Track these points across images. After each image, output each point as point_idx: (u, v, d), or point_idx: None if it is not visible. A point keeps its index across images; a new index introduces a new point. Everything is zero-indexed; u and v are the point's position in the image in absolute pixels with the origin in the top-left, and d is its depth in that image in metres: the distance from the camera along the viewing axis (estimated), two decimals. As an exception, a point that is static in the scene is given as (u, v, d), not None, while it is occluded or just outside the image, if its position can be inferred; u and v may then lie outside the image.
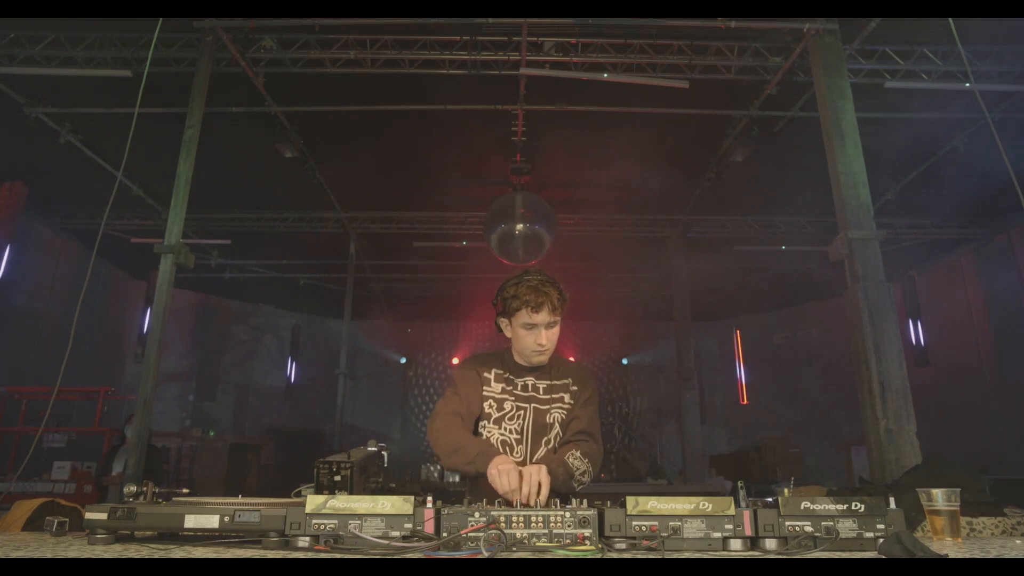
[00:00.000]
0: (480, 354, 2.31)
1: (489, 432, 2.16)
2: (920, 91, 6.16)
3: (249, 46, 5.88)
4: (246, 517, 1.37)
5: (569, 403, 2.18)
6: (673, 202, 9.30)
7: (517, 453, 2.12)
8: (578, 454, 2.03)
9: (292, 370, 14.03)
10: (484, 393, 2.17)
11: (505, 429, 2.14)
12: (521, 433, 2.14)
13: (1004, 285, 9.06)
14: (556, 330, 2.13)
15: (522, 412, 2.16)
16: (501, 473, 1.82)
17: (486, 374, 2.20)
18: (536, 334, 2.09)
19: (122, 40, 5.89)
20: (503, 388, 2.17)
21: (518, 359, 2.24)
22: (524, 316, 2.08)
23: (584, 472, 2.03)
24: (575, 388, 2.21)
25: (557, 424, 2.15)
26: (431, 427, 2.13)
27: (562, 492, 1.97)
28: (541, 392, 2.18)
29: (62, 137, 7.17)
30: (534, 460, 2.12)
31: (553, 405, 2.17)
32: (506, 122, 7.13)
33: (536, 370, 2.21)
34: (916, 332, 10.68)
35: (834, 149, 5.07)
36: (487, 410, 2.17)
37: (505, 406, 2.15)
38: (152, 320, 4.88)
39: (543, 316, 2.07)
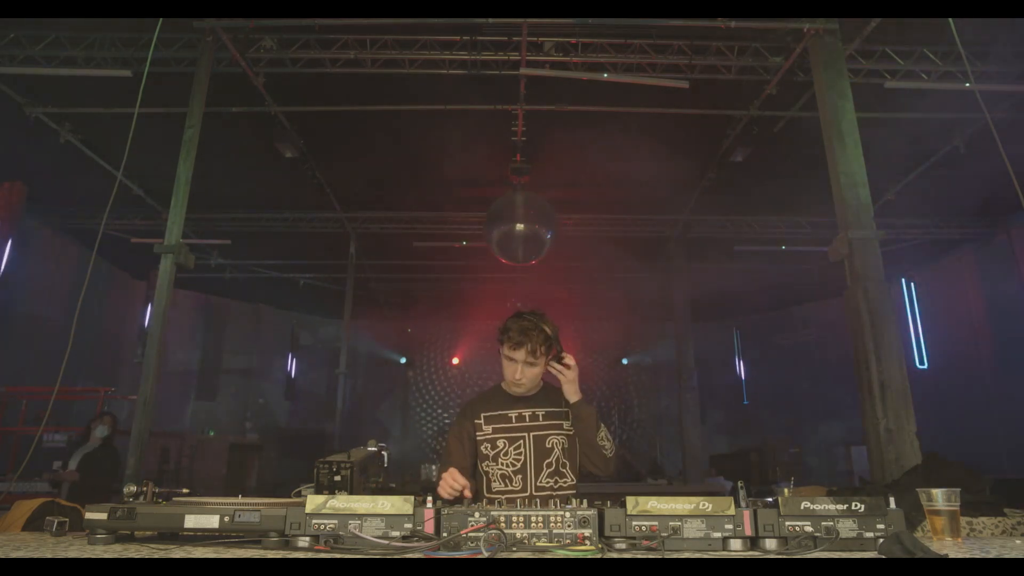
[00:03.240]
0: (471, 401, 2.49)
1: (489, 469, 2.31)
2: (920, 91, 6.16)
3: (249, 46, 5.87)
4: (246, 517, 1.37)
5: (569, 431, 2.32)
6: (673, 202, 9.30)
7: (516, 483, 2.27)
8: (608, 434, 2.30)
9: (292, 370, 14.04)
10: (479, 438, 2.35)
11: (502, 464, 2.30)
12: (520, 462, 2.28)
13: (1004, 285, 9.06)
14: (536, 370, 2.29)
15: (520, 442, 2.30)
16: (442, 485, 2.08)
17: (477, 420, 2.37)
18: (514, 368, 2.28)
19: (122, 40, 5.89)
20: (494, 428, 2.34)
21: (508, 388, 2.41)
22: (507, 350, 2.29)
23: (609, 440, 2.28)
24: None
25: (558, 448, 2.30)
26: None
27: (584, 436, 2.24)
28: (541, 419, 2.33)
29: (62, 137, 7.17)
30: (538, 484, 2.26)
31: (552, 431, 2.31)
32: (506, 122, 7.13)
33: (532, 399, 2.37)
34: (916, 332, 10.68)
35: (834, 149, 5.07)
36: (484, 452, 2.33)
37: (498, 444, 2.31)
38: (152, 320, 4.89)
39: (520, 355, 2.25)
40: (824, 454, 12.27)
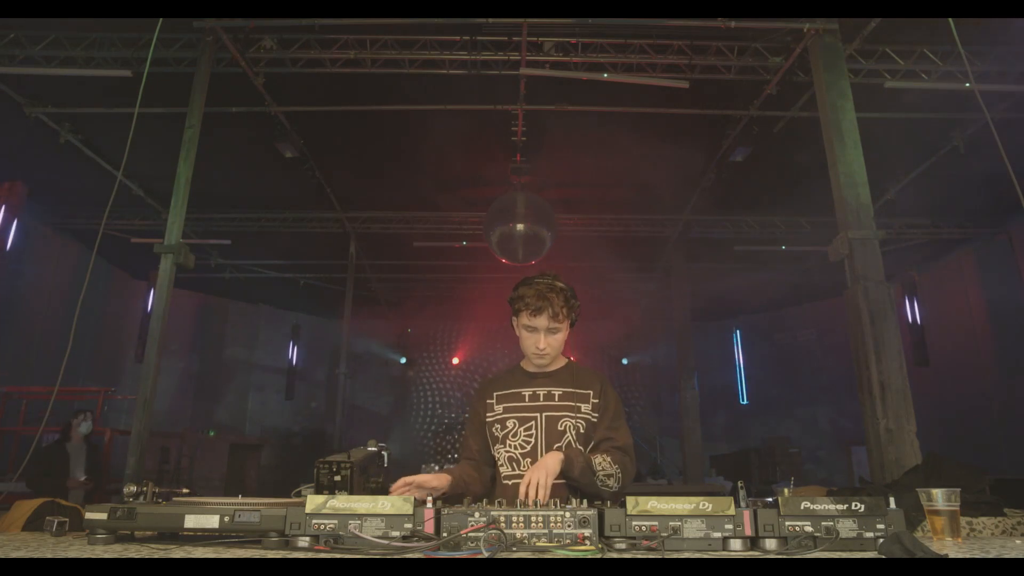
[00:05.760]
0: (487, 380, 2.32)
1: (498, 453, 2.16)
2: (920, 91, 6.16)
3: (249, 46, 5.87)
4: (246, 517, 1.37)
5: (588, 414, 2.13)
6: (673, 202, 9.30)
7: (525, 467, 2.07)
8: (608, 459, 2.02)
9: (292, 370, 14.03)
10: (488, 419, 2.20)
11: (510, 446, 2.13)
12: (531, 444, 2.10)
13: (1004, 285, 9.05)
14: (559, 336, 2.13)
15: (531, 422, 2.12)
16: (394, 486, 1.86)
17: (488, 400, 2.22)
18: (536, 337, 2.11)
19: (122, 40, 5.89)
20: (504, 408, 2.18)
21: (527, 365, 2.25)
22: (525, 318, 2.11)
23: (611, 476, 2.01)
24: (597, 401, 2.16)
25: (569, 432, 2.10)
26: None
27: (586, 491, 1.97)
28: (556, 399, 2.14)
29: (62, 137, 7.17)
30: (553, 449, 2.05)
31: (567, 414, 2.11)
32: (506, 122, 7.12)
33: (551, 376, 2.19)
34: (916, 332, 10.66)
35: (834, 149, 5.07)
36: (494, 433, 2.17)
37: (508, 424, 2.15)
38: (152, 320, 4.89)
39: (542, 321, 2.08)
40: (823, 454, 12.27)
